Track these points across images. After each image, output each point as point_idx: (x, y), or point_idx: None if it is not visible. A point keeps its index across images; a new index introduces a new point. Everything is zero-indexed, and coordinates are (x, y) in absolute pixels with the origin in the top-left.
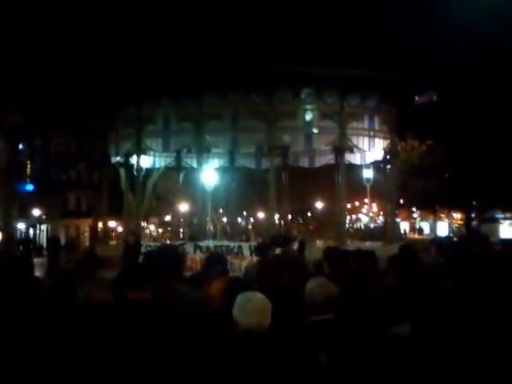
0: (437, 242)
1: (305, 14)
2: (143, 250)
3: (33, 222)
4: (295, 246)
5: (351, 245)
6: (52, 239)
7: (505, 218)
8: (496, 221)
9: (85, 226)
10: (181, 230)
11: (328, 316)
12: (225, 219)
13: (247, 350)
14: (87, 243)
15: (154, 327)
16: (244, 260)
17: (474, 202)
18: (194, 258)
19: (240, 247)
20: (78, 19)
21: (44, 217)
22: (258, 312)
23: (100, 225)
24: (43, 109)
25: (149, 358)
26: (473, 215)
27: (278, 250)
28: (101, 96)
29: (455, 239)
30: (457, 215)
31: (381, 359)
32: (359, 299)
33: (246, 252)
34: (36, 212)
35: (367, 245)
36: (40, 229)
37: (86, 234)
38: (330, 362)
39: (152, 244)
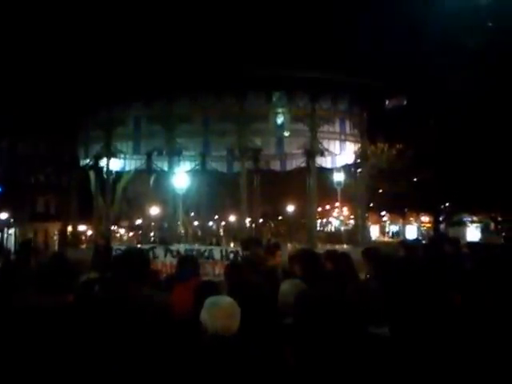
0: (406, 243)
1: (276, 16)
2: (113, 253)
3: (0, 226)
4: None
5: (321, 248)
6: (23, 244)
7: (472, 222)
8: (463, 224)
9: (54, 229)
10: (151, 234)
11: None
12: (196, 223)
13: (214, 354)
14: (56, 247)
15: (115, 329)
16: (215, 264)
17: (443, 206)
18: (165, 261)
19: (211, 251)
20: (48, 19)
21: (12, 220)
22: (226, 316)
23: (69, 228)
24: (10, 109)
25: (106, 360)
26: (441, 218)
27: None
28: (70, 97)
29: (424, 242)
30: (425, 218)
31: (360, 359)
32: (335, 300)
33: (217, 256)
34: (3, 215)
35: (337, 248)
36: (8, 232)
37: (55, 238)
38: (303, 363)
39: (122, 247)
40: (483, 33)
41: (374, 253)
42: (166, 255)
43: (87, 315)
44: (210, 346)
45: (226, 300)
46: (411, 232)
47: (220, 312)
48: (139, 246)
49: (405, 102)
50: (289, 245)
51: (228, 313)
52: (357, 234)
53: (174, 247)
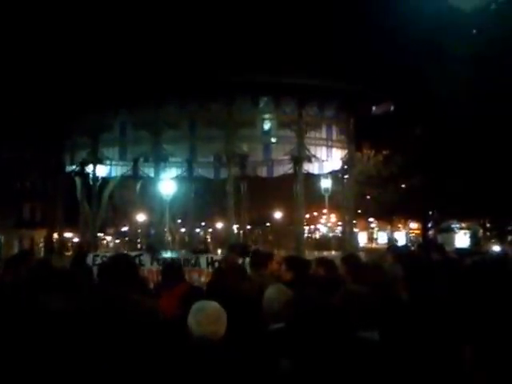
0: (393, 249)
1: (263, 22)
2: (99, 260)
3: None
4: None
5: (309, 255)
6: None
7: (460, 228)
8: (451, 230)
9: (40, 236)
10: (138, 241)
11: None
12: (183, 229)
13: (200, 359)
14: (42, 254)
15: (103, 334)
16: (201, 272)
17: (431, 212)
18: (151, 269)
19: (197, 259)
20: (33, 25)
21: None
22: (212, 321)
23: (55, 235)
24: None
25: (98, 365)
26: (429, 225)
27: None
28: (56, 103)
29: (412, 248)
30: (413, 225)
31: (349, 363)
32: (323, 305)
33: (203, 264)
34: None
35: (325, 255)
36: None
37: (41, 245)
38: (295, 369)
39: (108, 254)
40: (471, 39)
41: (354, 260)
42: (152, 262)
43: (77, 318)
44: (196, 350)
45: (212, 305)
46: (400, 238)
47: (206, 317)
48: (125, 252)
49: (392, 108)
50: (276, 251)
51: (214, 317)
52: (345, 240)
53: (161, 255)
